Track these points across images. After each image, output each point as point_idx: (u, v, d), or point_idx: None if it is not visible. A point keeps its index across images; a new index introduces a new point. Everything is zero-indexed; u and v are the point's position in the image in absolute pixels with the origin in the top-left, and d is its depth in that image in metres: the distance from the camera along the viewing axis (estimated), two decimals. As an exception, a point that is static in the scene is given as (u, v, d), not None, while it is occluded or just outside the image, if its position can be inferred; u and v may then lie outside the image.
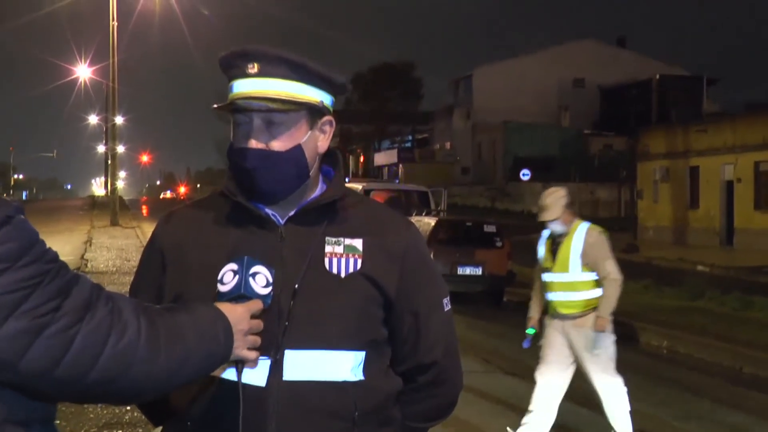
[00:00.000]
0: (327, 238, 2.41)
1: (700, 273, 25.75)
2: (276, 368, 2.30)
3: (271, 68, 2.36)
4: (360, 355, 2.38)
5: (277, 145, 2.38)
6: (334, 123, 2.52)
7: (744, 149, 34.95)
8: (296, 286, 2.34)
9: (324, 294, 2.36)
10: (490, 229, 19.96)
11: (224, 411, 2.30)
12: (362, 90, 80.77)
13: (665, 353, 14.35)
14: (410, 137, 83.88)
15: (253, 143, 2.37)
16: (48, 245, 1.89)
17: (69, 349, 1.81)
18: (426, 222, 19.91)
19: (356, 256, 2.41)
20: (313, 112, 2.43)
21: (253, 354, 2.22)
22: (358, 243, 2.42)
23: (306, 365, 2.32)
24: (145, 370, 1.93)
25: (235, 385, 2.26)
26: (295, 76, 2.38)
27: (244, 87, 2.37)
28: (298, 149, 2.40)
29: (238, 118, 2.41)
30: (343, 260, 2.40)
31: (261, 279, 2.25)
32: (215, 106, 2.43)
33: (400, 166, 72.71)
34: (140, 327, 1.93)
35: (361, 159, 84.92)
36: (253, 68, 2.36)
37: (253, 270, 2.24)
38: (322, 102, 2.44)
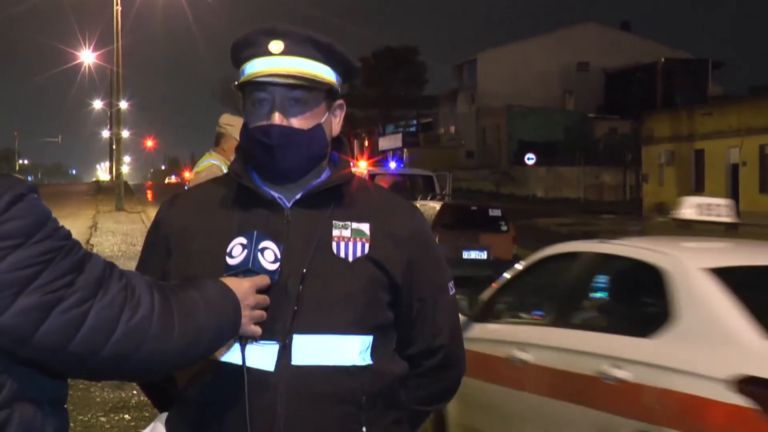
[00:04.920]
0: (334, 222, 2.41)
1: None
2: (284, 353, 2.30)
3: (297, 47, 2.36)
4: (368, 340, 2.38)
5: (300, 123, 2.37)
6: (344, 107, 2.52)
7: (749, 132, 34.91)
8: (304, 270, 2.33)
9: (332, 278, 2.35)
10: (495, 213, 19.95)
11: (231, 395, 2.30)
12: (366, 74, 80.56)
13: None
14: (415, 122, 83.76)
15: (277, 119, 2.36)
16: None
17: (82, 324, 1.84)
18: (431, 206, 19.91)
19: (363, 240, 2.40)
20: (330, 94, 2.44)
21: (258, 329, 2.23)
22: (365, 227, 2.42)
23: (314, 350, 2.31)
24: (159, 346, 1.95)
25: (241, 369, 2.26)
26: (319, 57, 2.38)
27: (266, 65, 2.36)
28: (319, 128, 2.40)
29: (258, 96, 2.39)
30: (350, 244, 2.39)
31: (269, 254, 2.26)
32: (237, 82, 2.42)
33: (405, 150, 72.62)
34: (153, 304, 1.95)
35: (366, 143, 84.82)
36: (279, 46, 2.36)
37: (262, 245, 2.25)
38: (338, 84, 2.44)
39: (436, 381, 2.59)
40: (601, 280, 5.96)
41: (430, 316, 2.51)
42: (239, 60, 2.42)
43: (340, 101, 2.49)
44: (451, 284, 2.59)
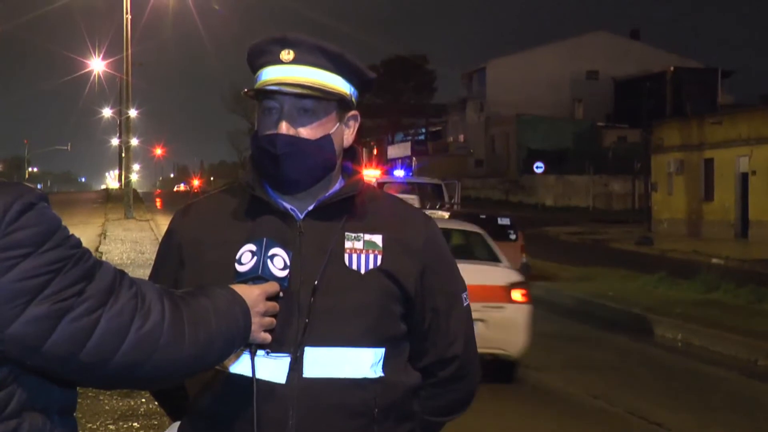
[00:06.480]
0: (346, 234, 2.39)
1: (714, 265, 25.63)
2: (296, 365, 2.29)
3: (307, 56, 2.35)
4: (380, 352, 2.37)
5: (307, 132, 2.36)
6: (359, 118, 2.50)
7: (759, 141, 34.79)
8: (316, 282, 2.32)
9: (344, 290, 2.34)
10: (504, 221, 19.93)
11: (241, 406, 2.29)
12: (375, 83, 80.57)
13: (680, 346, 14.32)
14: (424, 130, 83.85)
15: (284, 129, 2.35)
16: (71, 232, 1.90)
17: (92, 333, 1.83)
18: (439, 215, 19.90)
19: (376, 252, 2.39)
20: (342, 104, 2.42)
21: (268, 336, 2.22)
22: (377, 239, 2.40)
23: (326, 363, 2.30)
24: (169, 354, 1.94)
25: (251, 380, 2.25)
26: (330, 66, 2.37)
27: (277, 73, 2.35)
28: (327, 139, 2.39)
29: (267, 104, 2.38)
30: (362, 256, 2.38)
31: (279, 261, 2.24)
32: (246, 90, 2.41)
33: (414, 158, 72.68)
34: (164, 312, 1.94)
35: (375, 152, 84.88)
36: (289, 55, 2.35)
37: (271, 252, 2.24)
38: (351, 95, 2.43)
39: (450, 392, 2.56)
40: None
41: (443, 327, 2.49)
42: (254, 68, 2.43)
43: (354, 112, 2.48)
44: (464, 295, 2.57)
